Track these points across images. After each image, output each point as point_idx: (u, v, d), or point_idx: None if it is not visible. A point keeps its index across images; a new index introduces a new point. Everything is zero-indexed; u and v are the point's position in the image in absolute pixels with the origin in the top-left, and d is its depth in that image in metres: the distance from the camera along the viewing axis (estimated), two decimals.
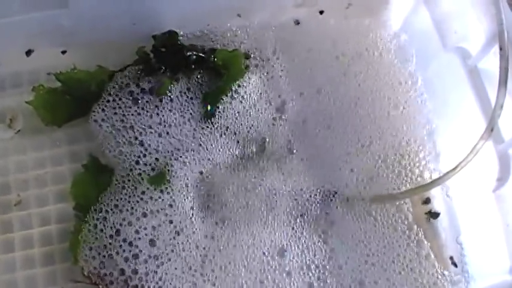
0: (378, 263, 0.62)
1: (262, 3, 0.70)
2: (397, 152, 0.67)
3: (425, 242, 0.63)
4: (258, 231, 0.63)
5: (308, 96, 0.69)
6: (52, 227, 0.64)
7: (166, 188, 0.63)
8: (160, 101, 0.66)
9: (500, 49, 0.60)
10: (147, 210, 0.62)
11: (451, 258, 0.63)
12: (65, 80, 0.66)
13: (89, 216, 0.62)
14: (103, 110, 0.66)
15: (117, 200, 0.62)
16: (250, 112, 0.68)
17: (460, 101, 0.67)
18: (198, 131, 0.66)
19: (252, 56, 0.70)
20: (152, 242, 0.61)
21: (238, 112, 0.67)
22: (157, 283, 0.60)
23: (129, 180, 0.63)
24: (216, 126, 0.67)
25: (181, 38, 0.68)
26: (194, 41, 0.69)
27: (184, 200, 0.63)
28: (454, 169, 0.60)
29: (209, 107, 0.67)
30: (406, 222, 0.64)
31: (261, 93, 0.69)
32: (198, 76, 0.68)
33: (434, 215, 0.64)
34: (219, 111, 0.67)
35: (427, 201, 0.65)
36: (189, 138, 0.66)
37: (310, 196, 0.65)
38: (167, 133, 0.65)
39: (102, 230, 0.61)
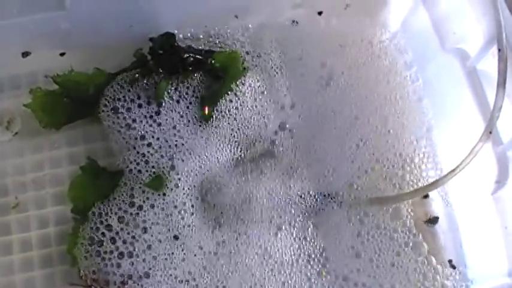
0: (376, 267, 0.62)
1: (260, 4, 0.70)
2: (394, 153, 0.66)
3: (424, 245, 0.63)
4: (256, 233, 0.63)
5: (306, 97, 0.69)
6: (50, 230, 0.64)
7: (164, 192, 0.63)
8: (158, 103, 0.66)
9: (499, 50, 0.60)
10: (144, 213, 0.62)
11: (450, 261, 0.63)
12: (62, 83, 0.65)
13: (86, 218, 0.62)
14: (101, 112, 0.66)
15: (115, 203, 0.62)
16: (248, 114, 0.68)
17: (458, 102, 0.67)
18: (197, 134, 0.66)
19: (250, 57, 0.70)
20: (149, 246, 0.61)
21: (236, 114, 0.67)
22: (154, 286, 0.60)
23: (126, 184, 0.63)
24: (214, 129, 0.66)
25: (178, 40, 0.68)
26: (192, 42, 0.69)
27: (182, 203, 0.63)
28: (452, 171, 0.60)
29: (207, 110, 0.66)
30: (404, 225, 0.64)
31: (259, 95, 0.69)
32: (196, 78, 0.67)
33: (434, 220, 0.64)
34: (217, 114, 0.67)
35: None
36: (187, 141, 0.65)
37: (309, 198, 0.65)
38: (165, 136, 0.65)
39: (99, 233, 0.61)
